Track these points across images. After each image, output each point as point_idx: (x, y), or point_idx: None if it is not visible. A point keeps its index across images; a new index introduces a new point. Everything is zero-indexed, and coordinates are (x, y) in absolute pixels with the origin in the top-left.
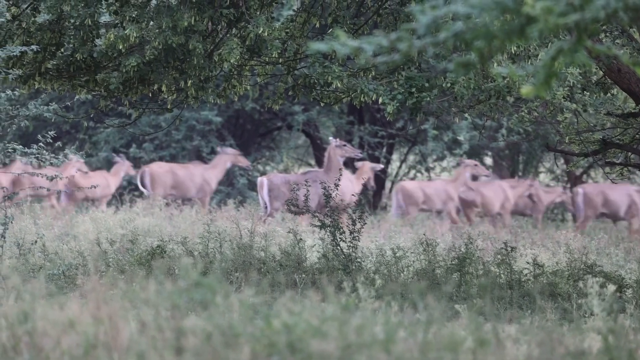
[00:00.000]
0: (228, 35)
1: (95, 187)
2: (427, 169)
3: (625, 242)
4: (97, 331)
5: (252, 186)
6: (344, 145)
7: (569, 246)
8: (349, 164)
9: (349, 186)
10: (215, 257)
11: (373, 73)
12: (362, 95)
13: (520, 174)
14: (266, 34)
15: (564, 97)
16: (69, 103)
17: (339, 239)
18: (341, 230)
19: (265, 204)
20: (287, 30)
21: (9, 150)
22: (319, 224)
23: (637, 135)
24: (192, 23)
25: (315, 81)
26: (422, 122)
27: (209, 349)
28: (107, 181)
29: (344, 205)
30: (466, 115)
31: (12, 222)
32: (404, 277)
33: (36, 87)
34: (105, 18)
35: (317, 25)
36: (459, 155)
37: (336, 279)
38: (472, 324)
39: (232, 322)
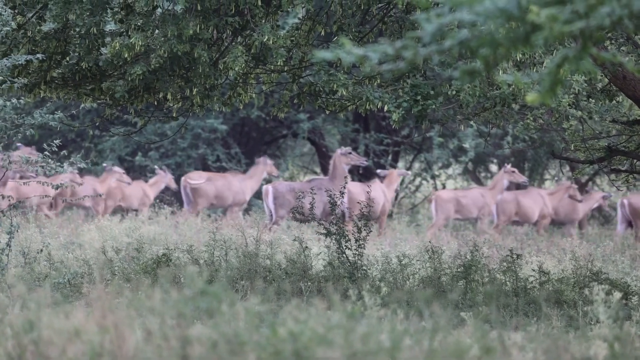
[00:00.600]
0: (233, 43)
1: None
2: (433, 177)
3: (631, 250)
4: (102, 340)
5: (258, 194)
6: (350, 153)
7: (575, 253)
8: (354, 171)
9: (381, 196)
10: (221, 265)
11: (378, 81)
12: (368, 103)
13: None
14: (271, 42)
15: (569, 105)
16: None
17: (344, 247)
18: (347, 238)
19: (271, 211)
20: (292, 39)
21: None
22: (324, 231)
23: None
24: (198, 31)
25: (321, 89)
26: (428, 129)
27: (215, 357)
28: (144, 191)
29: (377, 215)
30: (471, 122)
31: (17, 231)
32: (410, 285)
33: (42, 96)
34: (110, 26)
35: (323, 33)
36: (464, 163)
37: (342, 287)
38: (478, 332)
39: (238, 331)
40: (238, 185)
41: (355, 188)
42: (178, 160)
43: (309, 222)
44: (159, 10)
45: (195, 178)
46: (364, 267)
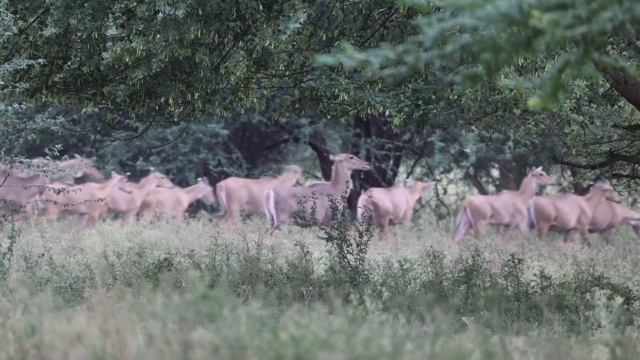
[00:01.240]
0: (235, 48)
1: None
2: (434, 181)
3: (632, 254)
4: (104, 344)
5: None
6: (351, 158)
7: (576, 258)
8: (355, 176)
9: (404, 201)
10: (222, 269)
11: (380, 85)
12: (369, 107)
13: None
14: (273, 46)
15: (570, 109)
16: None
17: (346, 252)
18: (348, 242)
19: (272, 216)
20: (293, 43)
21: (16, 163)
22: (325, 236)
23: None
24: (199, 36)
25: (322, 94)
26: (429, 134)
27: None
28: (178, 197)
29: (399, 220)
30: (473, 127)
31: (19, 236)
32: (411, 290)
33: (43, 101)
34: (112, 31)
35: (324, 37)
36: (466, 167)
37: (343, 292)
38: (480, 336)
39: (240, 335)
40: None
41: (379, 194)
42: (179, 165)
43: (310, 227)
44: (161, 14)
45: (232, 183)
46: (366, 272)
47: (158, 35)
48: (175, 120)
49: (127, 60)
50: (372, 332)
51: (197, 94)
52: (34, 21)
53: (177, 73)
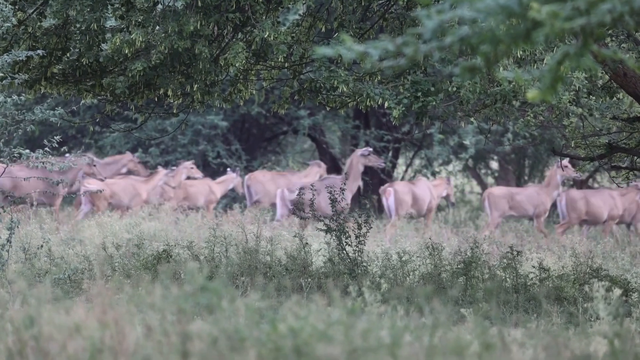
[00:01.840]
0: (234, 39)
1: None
2: (433, 173)
3: (631, 247)
4: (103, 335)
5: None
6: (369, 154)
7: (575, 250)
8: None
9: (428, 194)
10: (221, 261)
11: (379, 77)
12: (368, 99)
13: (526, 178)
14: (272, 38)
15: (569, 102)
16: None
17: (344, 243)
18: (347, 234)
19: (282, 213)
20: (292, 35)
21: (15, 155)
22: (324, 228)
23: None
24: (198, 27)
25: (321, 85)
26: (428, 126)
27: (215, 353)
28: (211, 189)
29: (423, 212)
30: (472, 119)
31: (17, 227)
32: (410, 281)
33: (42, 92)
34: (111, 23)
35: (323, 29)
36: (465, 159)
37: (342, 283)
38: (478, 328)
39: (238, 327)
40: (299, 184)
41: (401, 187)
42: (178, 157)
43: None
44: (160, 6)
45: (260, 177)
46: (364, 264)
47: (157, 27)
48: (175, 111)
49: (126, 51)
50: (370, 324)
51: (196, 85)
52: (33, 12)
53: (177, 65)
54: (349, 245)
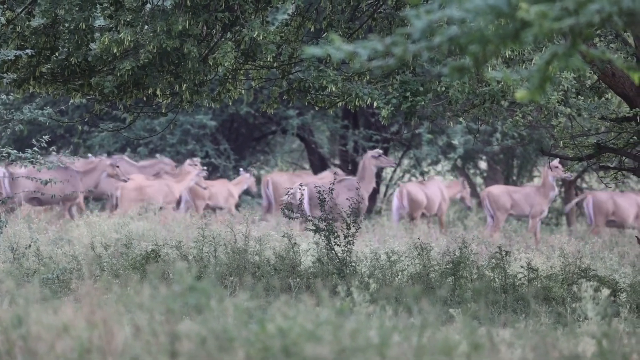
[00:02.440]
0: (223, 39)
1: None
2: (422, 173)
3: (619, 247)
4: (91, 335)
5: (246, 191)
6: (380, 156)
7: (563, 250)
8: (344, 168)
9: (438, 194)
10: (210, 261)
11: (368, 77)
12: (357, 99)
13: (514, 178)
14: (261, 37)
15: (558, 102)
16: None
17: (333, 243)
18: (336, 234)
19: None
20: (281, 34)
21: (4, 154)
22: (313, 228)
23: (631, 140)
24: (187, 27)
25: (310, 85)
26: (417, 126)
27: (204, 353)
28: (229, 190)
29: (433, 212)
30: (461, 119)
31: (5, 227)
32: (399, 281)
33: (31, 91)
34: (99, 22)
35: (312, 29)
36: (453, 159)
37: (331, 283)
38: (467, 328)
39: (227, 327)
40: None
41: (414, 187)
42: (167, 156)
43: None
44: (148, 5)
45: (277, 178)
46: (353, 264)
47: (146, 26)
48: (163, 111)
49: (114, 51)
50: (359, 324)
51: (185, 85)
52: (21, 12)
53: (165, 64)
54: (338, 245)
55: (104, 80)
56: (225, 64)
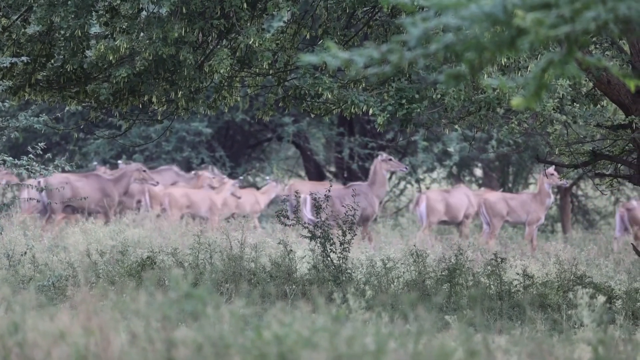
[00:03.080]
0: (218, 46)
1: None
2: (417, 180)
3: (614, 254)
4: (87, 342)
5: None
6: (390, 160)
7: (559, 257)
8: (339, 175)
9: (465, 201)
10: (206, 268)
11: (363, 84)
12: (353, 106)
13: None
14: (256, 45)
15: (553, 109)
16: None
17: (329, 250)
18: (331, 241)
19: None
20: (277, 42)
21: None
22: (309, 235)
23: (626, 147)
24: (183, 34)
25: (306, 92)
26: (412, 133)
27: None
28: (256, 198)
29: (458, 219)
30: (456, 126)
31: (1, 234)
32: (394, 288)
33: (26, 99)
34: (95, 29)
35: (308, 36)
36: (449, 167)
37: (326, 290)
38: (463, 335)
39: (223, 333)
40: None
41: (434, 194)
42: (163, 164)
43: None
44: (144, 13)
45: (300, 186)
46: (349, 271)
47: (142, 34)
48: (159, 118)
49: (110, 58)
50: (355, 331)
51: (180, 92)
52: (17, 19)
53: (161, 71)
54: (334, 252)
55: (100, 87)
56: (221, 71)
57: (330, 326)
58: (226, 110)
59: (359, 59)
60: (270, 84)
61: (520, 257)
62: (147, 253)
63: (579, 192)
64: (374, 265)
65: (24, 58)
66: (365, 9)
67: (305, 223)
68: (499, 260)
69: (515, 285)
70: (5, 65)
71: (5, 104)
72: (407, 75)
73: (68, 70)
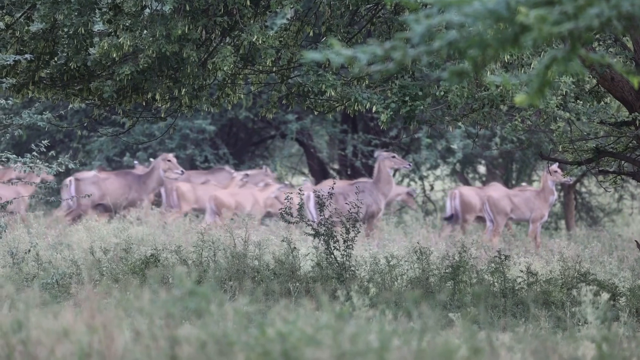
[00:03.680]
0: (222, 43)
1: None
2: (421, 178)
3: (618, 251)
4: (91, 340)
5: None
6: (393, 157)
7: (563, 254)
8: (342, 172)
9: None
10: (209, 265)
11: (367, 82)
12: (356, 103)
13: (513, 182)
14: (260, 42)
15: (557, 106)
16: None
17: (332, 248)
18: (335, 238)
19: (313, 216)
20: (280, 39)
21: (2, 159)
22: (312, 232)
23: (630, 144)
24: (186, 31)
25: (309, 90)
26: (416, 130)
27: (204, 357)
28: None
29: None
30: (460, 123)
31: (5, 231)
32: (398, 286)
33: (30, 96)
34: (98, 27)
35: (311, 33)
36: (453, 164)
37: (330, 288)
38: (466, 332)
39: (227, 331)
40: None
41: (468, 191)
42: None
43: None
44: (148, 10)
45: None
46: (353, 268)
47: (145, 31)
48: (162, 116)
49: (114, 55)
50: (359, 328)
51: (184, 89)
52: (20, 16)
53: (164, 69)
54: (337, 249)
55: (103, 85)
56: (225, 69)
57: (334, 323)
58: (230, 108)
59: (363, 56)
60: (274, 82)
61: (524, 254)
62: (151, 251)
63: (583, 189)
64: (377, 262)
65: (27, 56)
66: (368, 6)
67: (309, 221)
68: (503, 257)
69: (519, 283)
70: (8, 62)
71: (8, 101)
72: (411, 73)
73: (71, 67)
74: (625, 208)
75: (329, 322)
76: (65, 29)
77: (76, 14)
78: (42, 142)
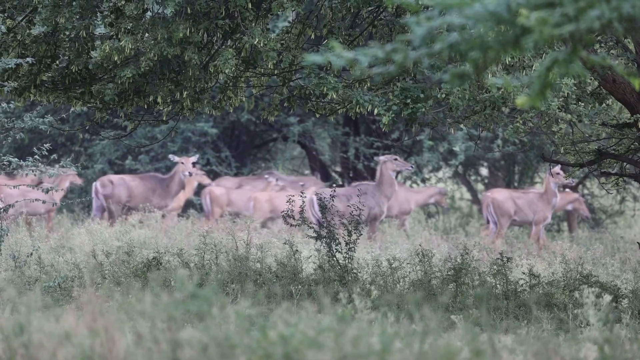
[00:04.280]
0: (223, 46)
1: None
2: (423, 180)
3: (621, 253)
4: (93, 343)
5: None
6: (395, 160)
7: (565, 256)
8: (345, 174)
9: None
10: (211, 268)
11: (368, 84)
12: (358, 106)
13: (515, 184)
14: (261, 45)
15: (559, 108)
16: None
17: (334, 250)
18: (337, 241)
19: (318, 220)
20: (282, 42)
21: (4, 163)
22: (314, 235)
23: (632, 146)
24: (188, 34)
25: (311, 92)
26: (418, 133)
27: None
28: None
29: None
30: (461, 126)
31: (7, 235)
32: (400, 288)
33: (31, 100)
34: (100, 30)
35: (313, 36)
36: (455, 166)
37: (332, 290)
38: (468, 335)
39: (229, 334)
40: (403, 195)
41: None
42: (168, 164)
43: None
44: (149, 13)
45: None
46: (355, 271)
47: (147, 34)
48: (164, 119)
49: (115, 59)
50: (361, 331)
51: (185, 92)
52: (22, 20)
53: (166, 72)
54: (339, 252)
55: (105, 88)
56: (226, 71)
57: (336, 326)
58: (231, 111)
59: (364, 58)
60: (275, 84)
61: (526, 256)
62: (153, 254)
63: (585, 191)
64: (379, 265)
65: (29, 59)
66: (369, 8)
67: (311, 223)
68: (505, 259)
69: (522, 285)
70: (10, 66)
71: (10, 105)
72: (412, 75)
73: (73, 71)
74: (628, 210)
75: (331, 325)
76: (67, 32)
77: (78, 17)
78: (44, 145)
